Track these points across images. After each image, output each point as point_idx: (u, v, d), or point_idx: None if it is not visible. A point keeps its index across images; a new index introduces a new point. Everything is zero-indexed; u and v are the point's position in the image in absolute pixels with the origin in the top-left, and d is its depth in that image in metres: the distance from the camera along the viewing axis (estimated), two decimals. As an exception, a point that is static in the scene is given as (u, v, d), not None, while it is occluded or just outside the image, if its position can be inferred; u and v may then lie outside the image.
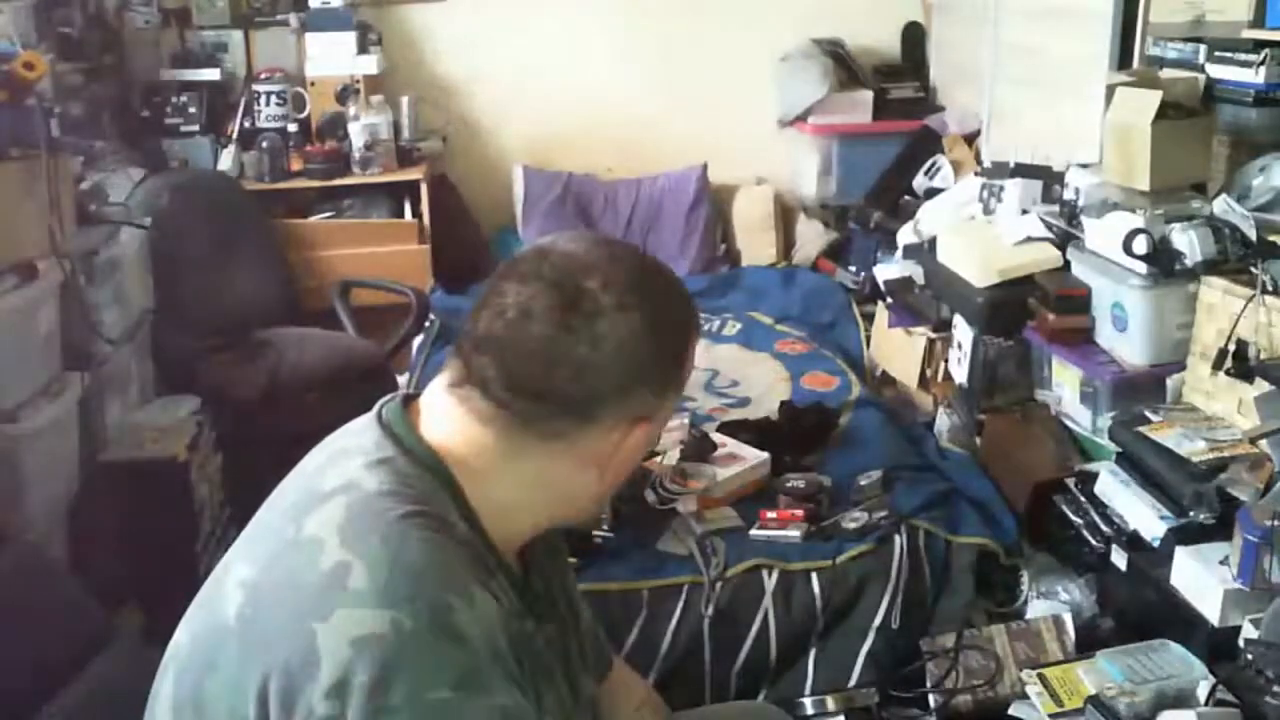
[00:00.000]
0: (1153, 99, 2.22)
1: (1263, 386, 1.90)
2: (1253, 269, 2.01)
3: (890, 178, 3.63)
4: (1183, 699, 1.63)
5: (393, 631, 0.79)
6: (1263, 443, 1.86)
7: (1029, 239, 2.55)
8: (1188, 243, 2.11)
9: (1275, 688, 1.54)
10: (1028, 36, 3.14)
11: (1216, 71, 2.35)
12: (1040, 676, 1.79)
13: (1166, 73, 2.49)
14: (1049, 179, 2.71)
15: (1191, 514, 1.86)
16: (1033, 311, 2.45)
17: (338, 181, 3.53)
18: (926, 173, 3.50)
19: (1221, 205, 2.16)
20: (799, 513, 2.15)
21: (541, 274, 0.91)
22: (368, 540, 0.84)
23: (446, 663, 0.79)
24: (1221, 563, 1.74)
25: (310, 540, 0.85)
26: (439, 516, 0.88)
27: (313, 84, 3.60)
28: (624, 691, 1.32)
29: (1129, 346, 2.25)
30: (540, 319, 0.89)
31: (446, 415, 0.94)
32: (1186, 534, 1.85)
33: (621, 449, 0.95)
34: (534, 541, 1.06)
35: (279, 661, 0.80)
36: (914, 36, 4.06)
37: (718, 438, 2.40)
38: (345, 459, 0.93)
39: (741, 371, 3.09)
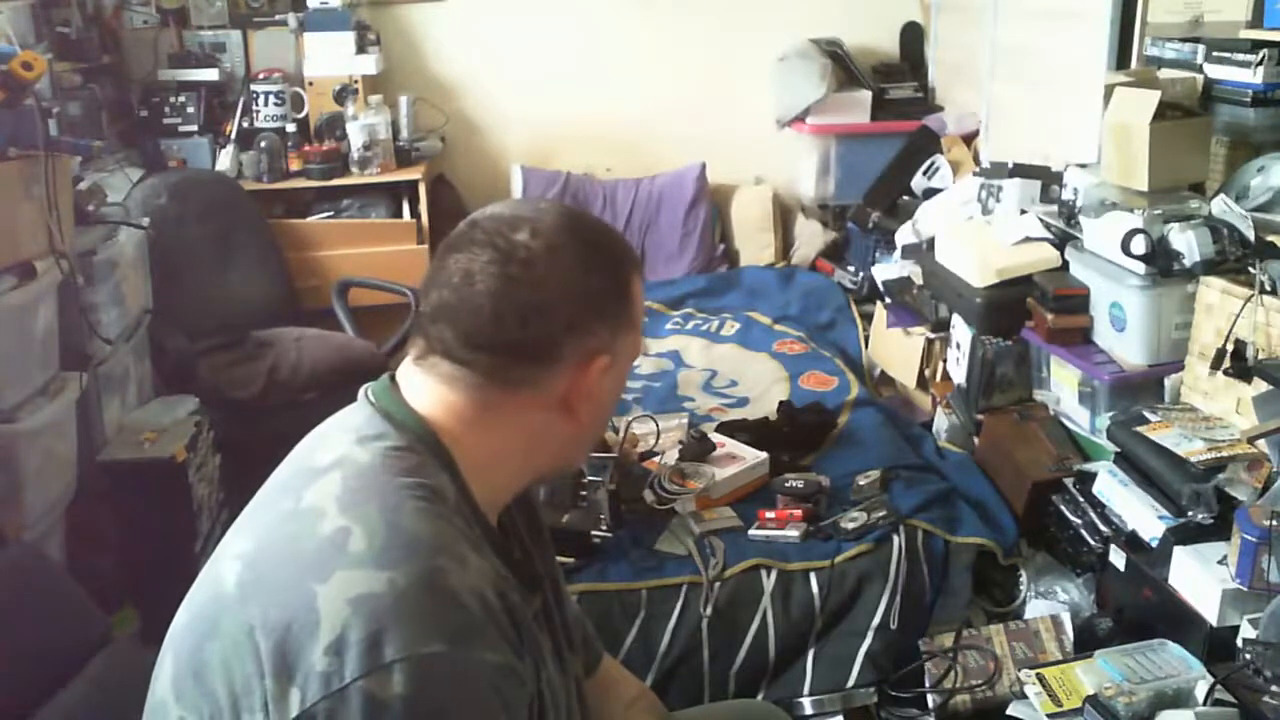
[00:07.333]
0: (1151, 99, 2.22)
1: (1261, 386, 1.90)
2: (1251, 269, 2.01)
3: (889, 178, 3.63)
4: (1181, 699, 1.63)
5: (388, 590, 0.82)
6: (1261, 442, 1.86)
7: (1027, 239, 2.56)
8: (1186, 243, 2.11)
9: (1274, 687, 1.54)
10: (1026, 37, 3.14)
11: (1215, 72, 2.36)
12: (1039, 676, 1.79)
13: (1165, 73, 2.49)
14: (1047, 179, 2.71)
15: (1190, 514, 1.87)
16: (1031, 311, 2.45)
17: (336, 181, 3.54)
18: (925, 173, 3.50)
19: (1220, 205, 2.16)
20: (797, 513, 2.16)
21: (475, 239, 0.95)
22: (365, 507, 0.87)
23: (440, 618, 0.82)
24: (1220, 563, 1.75)
25: (309, 509, 0.89)
26: (431, 487, 0.91)
27: (311, 84, 3.60)
28: (616, 689, 1.32)
29: (1127, 346, 2.25)
30: (482, 277, 0.93)
31: (419, 387, 0.97)
32: (1185, 534, 1.85)
33: (587, 387, 0.98)
34: (514, 514, 1.08)
35: (280, 623, 0.82)
36: (912, 36, 4.06)
37: (716, 438, 2.40)
38: (336, 437, 0.96)
39: (740, 371, 3.09)
